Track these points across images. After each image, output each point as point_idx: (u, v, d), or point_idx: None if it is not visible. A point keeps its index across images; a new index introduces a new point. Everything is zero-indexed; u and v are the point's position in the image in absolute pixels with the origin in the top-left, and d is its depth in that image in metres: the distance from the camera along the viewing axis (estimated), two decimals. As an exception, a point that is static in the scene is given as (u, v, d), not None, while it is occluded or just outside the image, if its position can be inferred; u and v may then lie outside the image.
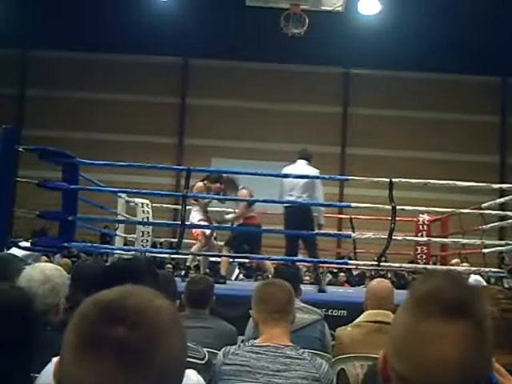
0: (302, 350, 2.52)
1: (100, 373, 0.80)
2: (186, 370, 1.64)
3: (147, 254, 7.66)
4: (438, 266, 7.43)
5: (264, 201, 7.12)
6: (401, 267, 7.24)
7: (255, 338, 2.65)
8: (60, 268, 2.84)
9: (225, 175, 7.19)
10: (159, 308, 0.88)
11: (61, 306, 2.63)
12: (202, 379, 1.87)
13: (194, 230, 7.17)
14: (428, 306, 0.94)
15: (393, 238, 5.60)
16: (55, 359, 0.90)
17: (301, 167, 6.71)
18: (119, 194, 7.83)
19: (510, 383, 1.21)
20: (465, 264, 8.33)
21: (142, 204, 7.90)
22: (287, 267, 4.37)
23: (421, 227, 8.18)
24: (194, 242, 8.23)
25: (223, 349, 2.56)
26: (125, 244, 8.18)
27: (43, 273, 2.64)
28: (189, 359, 2.34)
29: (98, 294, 0.89)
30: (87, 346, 0.82)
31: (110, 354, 0.81)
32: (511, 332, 1.57)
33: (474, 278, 7.68)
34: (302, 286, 4.40)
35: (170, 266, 11.63)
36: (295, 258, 6.55)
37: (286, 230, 6.62)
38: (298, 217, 6.43)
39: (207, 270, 7.47)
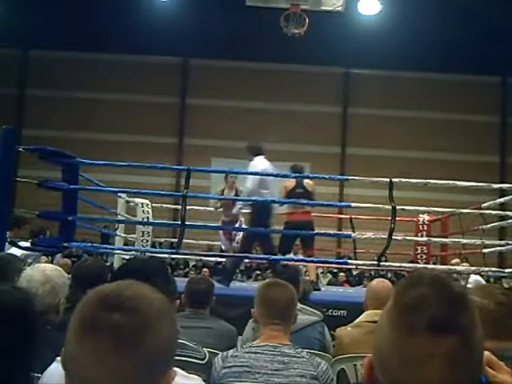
0: (300, 349, 2.53)
1: (98, 353, 0.91)
2: (194, 377, 1.64)
3: (147, 253, 7.66)
4: (438, 266, 7.41)
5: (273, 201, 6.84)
6: (401, 267, 7.22)
7: (253, 341, 2.65)
8: (60, 268, 2.84)
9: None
10: (153, 300, 0.98)
11: (61, 306, 2.63)
12: None
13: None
14: (412, 320, 0.89)
15: (393, 238, 5.59)
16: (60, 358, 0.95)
17: (268, 164, 6.66)
18: (119, 194, 7.83)
19: (503, 372, 1.12)
20: (465, 264, 8.32)
21: (142, 204, 7.89)
22: (287, 268, 4.34)
23: (421, 227, 8.17)
24: (193, 241, 8.25)
25: (220, 354, 2.56)
26: (125, 244, 8.18)
27: (43, 273, 2.64)
28: (189, 359, 2.35)
29: (100, 287, 1.00)
30: (87, 329, 0.93)
31: (107, 336, 0.92)
32: (506, 322, 1.61)
33: (474, 278, 7.69)
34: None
35: (169, 266, 11.64)
36: (295, 258, 6.55)
37: (253, 226, 6.46)
38: (266, 214, 6.38)
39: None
